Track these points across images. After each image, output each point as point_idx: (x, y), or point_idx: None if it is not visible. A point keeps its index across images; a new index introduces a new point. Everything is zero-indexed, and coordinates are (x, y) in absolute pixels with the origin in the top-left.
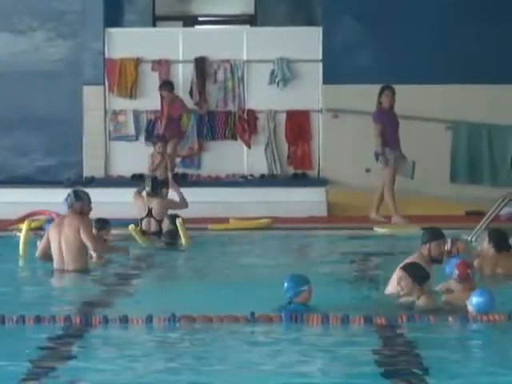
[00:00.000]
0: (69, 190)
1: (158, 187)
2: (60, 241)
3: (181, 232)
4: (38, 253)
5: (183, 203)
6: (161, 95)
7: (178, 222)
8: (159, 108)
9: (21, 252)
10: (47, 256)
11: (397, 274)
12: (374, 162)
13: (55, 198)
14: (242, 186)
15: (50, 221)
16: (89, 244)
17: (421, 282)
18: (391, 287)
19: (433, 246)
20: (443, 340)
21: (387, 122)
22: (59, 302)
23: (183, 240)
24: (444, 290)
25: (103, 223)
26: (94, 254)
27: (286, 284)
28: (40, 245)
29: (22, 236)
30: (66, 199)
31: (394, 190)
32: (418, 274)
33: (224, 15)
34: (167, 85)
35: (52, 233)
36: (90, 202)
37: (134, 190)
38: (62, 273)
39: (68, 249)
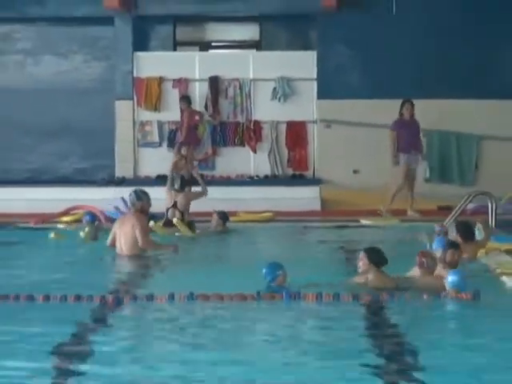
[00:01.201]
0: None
1: (185, 185)
2: (120, 233)
3: (180, 228)
4: (108, 242)
5: (204, 191)
6: (180, 108)
7: (175, 221)
8: (179, 119)
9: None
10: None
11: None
12: (360, 165)
13: (91, 195)
14: (248, 185)
15: (89, 214)
16: (140, 241)
17: (376, 264)
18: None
19: (448, 253)
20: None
21: (403, 130)
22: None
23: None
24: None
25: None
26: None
27: (264, 270)
28: (110, 235)
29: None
30: (129, 198)
31: (402, 188)
32: (374, 257)
33: (234, 41)
34: (185, 99)
35: (116, 226)
36: (149, 200)
37: (167, 186)
38: (121, 257)
39: (125, 239)
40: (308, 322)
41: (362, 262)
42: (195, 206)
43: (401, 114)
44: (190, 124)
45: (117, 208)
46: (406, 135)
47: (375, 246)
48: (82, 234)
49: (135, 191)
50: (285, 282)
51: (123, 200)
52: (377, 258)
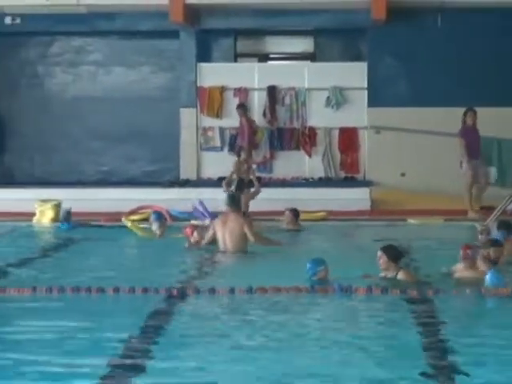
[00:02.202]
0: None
1: (243, 187)
2: (224, 231)
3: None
4: (206, 240)
5: (257, 190)
6: (239, 115)
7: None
8: (239, 125)
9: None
10: (212, 241)
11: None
12: (407, 168)
13: (157, 196)
14: (304, 187)
15: (155, 213)
16: (251, 237)
17: (395, 260)
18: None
19: (492, 250)
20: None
21: (469, 137)
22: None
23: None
24: (452, 270)
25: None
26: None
27: (307, 265)
28: (207, 234)
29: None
30: (226, 201)
31: (472, 191)
32: (391, 253)
33: (290, 53)
34: (242, 107)
35: (218, 225)
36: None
37: (223, 187)
38: (225, 254)
39: (230, 237)
40: (359, 315)
41: (382, 260)
42: (260, 206)
43: (464, 122)
44: (249, 130)
45: (195, 209)
46: (471, 142)
47: (391, 244)
48: (153, 230)
49: (233, 194)
50: (326, 277)
51: (201, 202)
52: (394, 254)
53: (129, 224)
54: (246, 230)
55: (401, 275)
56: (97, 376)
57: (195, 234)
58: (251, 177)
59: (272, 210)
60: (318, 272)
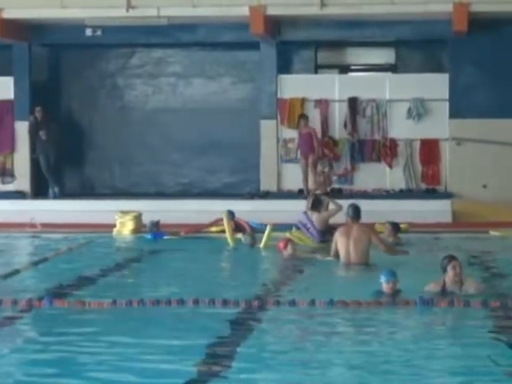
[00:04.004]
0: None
1: (318, 205)
2: (349, 243)
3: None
4: (331, 253)
5: (338, 208)
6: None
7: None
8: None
9: (231, 243)
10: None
11: (452, 264)
12: (489, 179)
13: (237, 207)
14: (385, 199)
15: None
16: (382, 247)
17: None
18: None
19: None
20: None
21: None
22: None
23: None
24: None
25: None
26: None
27: (380, 276)
28: (332, 249)
29: (228, 232)
30: (352, 210)
31: None
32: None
33: (371, 64)
34: (305, 117)
35: (341, 237)
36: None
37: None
38: (348, 266)
39: (355, 249)
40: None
41: (461, 271)
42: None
43: None
44: (316, 140)
45: (300, 222)
46: None
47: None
48: (242, 240)
49: (354, 207)
50: (394, 289)
51: (305, 214)
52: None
53: (227, 234)
54: (375, 239)
55: (475, 286)
56: None
57: (289, 247)
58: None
59: None
60: (386, 283)
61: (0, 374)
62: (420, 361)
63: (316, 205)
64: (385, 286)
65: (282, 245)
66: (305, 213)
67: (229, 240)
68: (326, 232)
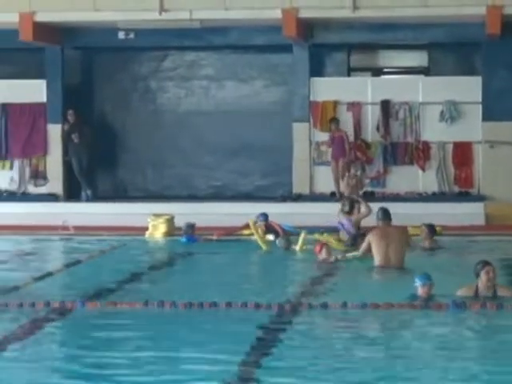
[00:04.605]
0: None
1: (354, 208)
2: (386, 245)
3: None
4: (361, 251)
5: (368, 211)
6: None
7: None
8: (353, 140)
9: (264, 247)
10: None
11: (486, 269)
12: None
13: (270, 210)
14: (417, 201)
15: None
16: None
17: None
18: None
19: None
20: None
21: None
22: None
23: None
24: None
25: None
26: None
27: (415, 280)
28: (362, 248)
29: (257, 237)
30: (378, 215)
31: None
32: None
33: (404, 67)
34: (336, 120)
35: (377, 239)
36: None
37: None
38: (385, 268)
39: (395, 252)
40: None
41: (494, 276)
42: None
43: None
44: (348, 143)
45: (340, 223)
46: None
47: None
48: (277, 243)
49: (384, 210)
50: (428, 294)
51: (348, 219)
52: None
53: (256, 237)
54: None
55: (503, 291)
56: None
57: (324, 251)
58: (358, 194)
59: None
60: (422, 287)
61: (36, 376)
62: (456, 363)
63: (353, 208)
64: (420, 290)
65: (317, 248)
66: (339, 215)
67: (260, 244)
68: (358, 236)
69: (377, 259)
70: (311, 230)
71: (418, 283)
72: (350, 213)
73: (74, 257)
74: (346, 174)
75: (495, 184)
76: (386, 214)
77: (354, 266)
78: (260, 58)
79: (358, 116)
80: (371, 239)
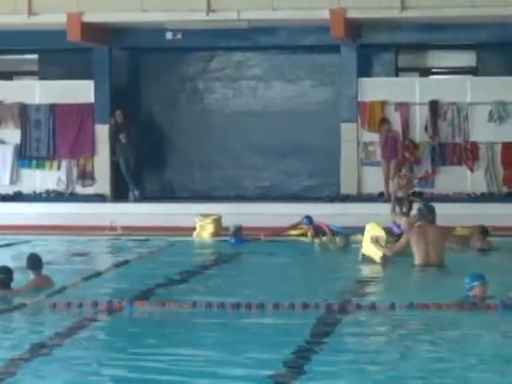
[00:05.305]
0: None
1: (411, 209)
2: (426, 244)
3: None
4: (396, 249)
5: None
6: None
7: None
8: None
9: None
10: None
11: None
12: None
13: (318, 211)
14: (466, 202)
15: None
16: (461, 245)
17: None
18: None
19: None
20: None
21: None
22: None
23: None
24: None
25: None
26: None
27: (466, 280)
28: (395, 248)
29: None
30: (420, 213)
31: None
32: None
33: (452, 67)
34: (387, 121)
35: (417, 238)
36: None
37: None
38: (426, 267)
39: (435, 250)
40: None
41: None
42: None
43: None
44: (400, 143)
45: (394, 222)
46: None
47: None
48: (337, 242)
49: (425, 205)
50: (483, 294)
51: (395, 223)
52: None
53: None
54: (453, 239)
55: None
56: None
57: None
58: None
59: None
60: (472, 288)
61: (81, 375)
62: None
63: (410, 209)
64: (478, 290)
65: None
66: (394, 222)
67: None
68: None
69: (417, 258)
70: (358, 230)
71: (475, 283)
72: (407, 213)
73: (122, 257)
74: (398, 174)
75: None
76: (429, 212)
77: (402, 266)
78: (308, 59)
79: (406, 116)
80: (410, 237)
